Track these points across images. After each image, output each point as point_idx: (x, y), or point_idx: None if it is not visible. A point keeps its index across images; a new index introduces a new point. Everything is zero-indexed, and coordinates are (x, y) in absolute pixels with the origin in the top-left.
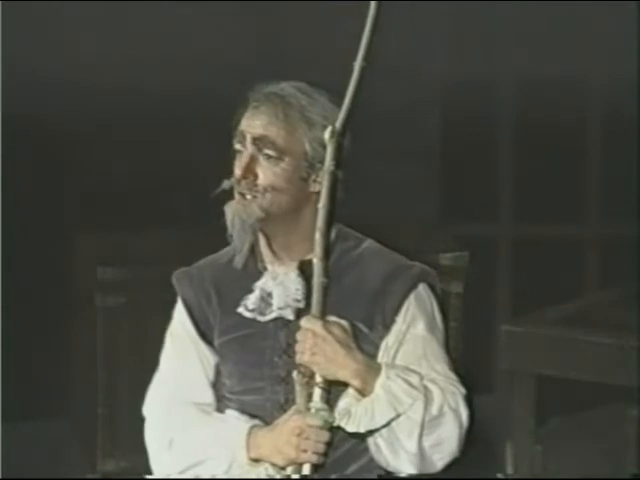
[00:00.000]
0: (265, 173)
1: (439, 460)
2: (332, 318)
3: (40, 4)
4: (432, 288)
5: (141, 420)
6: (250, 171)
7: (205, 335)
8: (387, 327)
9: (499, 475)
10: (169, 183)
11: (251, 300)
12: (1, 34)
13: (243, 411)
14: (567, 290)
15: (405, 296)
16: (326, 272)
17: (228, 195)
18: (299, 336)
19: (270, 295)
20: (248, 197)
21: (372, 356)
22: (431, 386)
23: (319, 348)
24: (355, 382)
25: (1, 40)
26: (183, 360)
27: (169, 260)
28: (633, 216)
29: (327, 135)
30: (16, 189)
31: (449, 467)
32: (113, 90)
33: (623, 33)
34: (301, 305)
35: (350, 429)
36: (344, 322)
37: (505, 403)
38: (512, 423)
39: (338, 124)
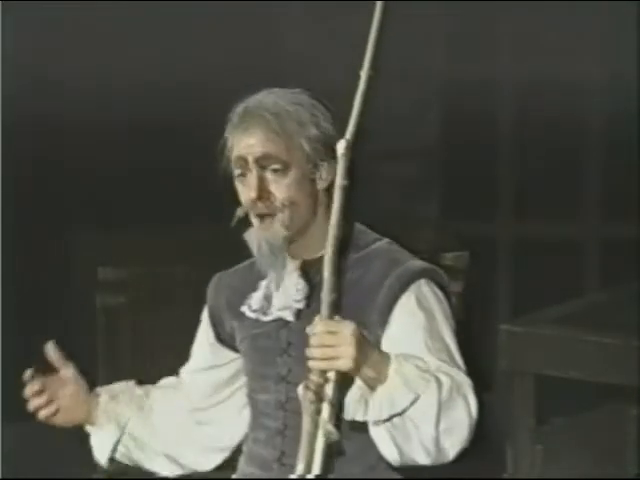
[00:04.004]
0: (278, 188)
1: (451, 447)
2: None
3: (40, 4)
4: (439, 285)
5: None
6: (264, 190)
7: (222, 339)
8: (385, 323)
9: (505, 475)
10: (169, 183)
11: (254, 300)
12: (1, 34)
13: (256, 410)
14: (567, 290)
15: (398, 293)
16: (336, 287)
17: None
18: (315, 341)
19: (272, 296)
20: (267, 220)
21: None
22: (437, 372)
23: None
24: (371, 373)
25: (1, 40)
26: (198, 351)
27: (169, 260)
28: (633, 216)
29: (341, 149)
30: (16, 189)
31: (456, 462)
32: (114, 90)
33: (623, 33)
34: (300, 306)
35: (371, 418)
36: (348, 322)
37: (505, 403)
38: (512, 423)
39: (349, 136)
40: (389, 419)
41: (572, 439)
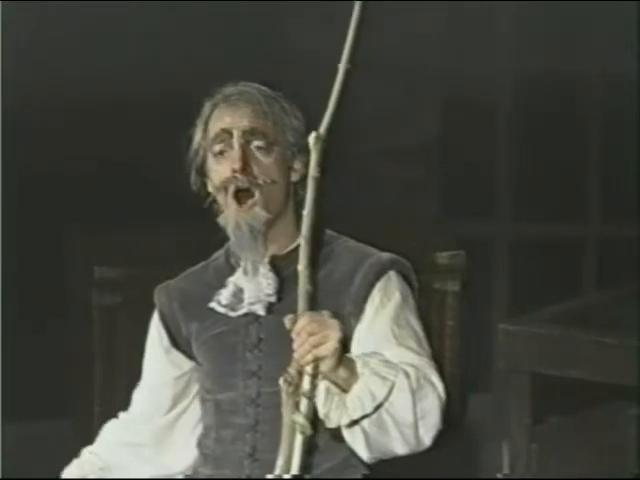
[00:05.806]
0: (259, 165)
1: (425, 434)
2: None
3: (40, 4)
4: (405, 277)
5: None
6: (247, 164)
7: (177, 343)
8: (357, 316)
9: (498, 475)
10: (169, 183)
11: (224, 295)
12: (1, 34)
13: (218, 410)
14: (566, 289)
15: (372, 283)
16: (311, 280)
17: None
18: (303, 337)
19: (242, 291)
20: (246, 202)
21: None
22: (401, 365)
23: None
24: (344, 372)
25: (1, 40)
26: (153, 366)
27: (166, 260)
28: (633, 216)
29: (311, 140)
30: (15, 189)
31: (452, 461)
32: (113, 90)
33: (623, 33)
34: (272, 299)
35: (356, 416)
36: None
37: (502, 402)
38: (509, 422)
39: (322, 129)
40: (373, 412)
41: (569, 438)
